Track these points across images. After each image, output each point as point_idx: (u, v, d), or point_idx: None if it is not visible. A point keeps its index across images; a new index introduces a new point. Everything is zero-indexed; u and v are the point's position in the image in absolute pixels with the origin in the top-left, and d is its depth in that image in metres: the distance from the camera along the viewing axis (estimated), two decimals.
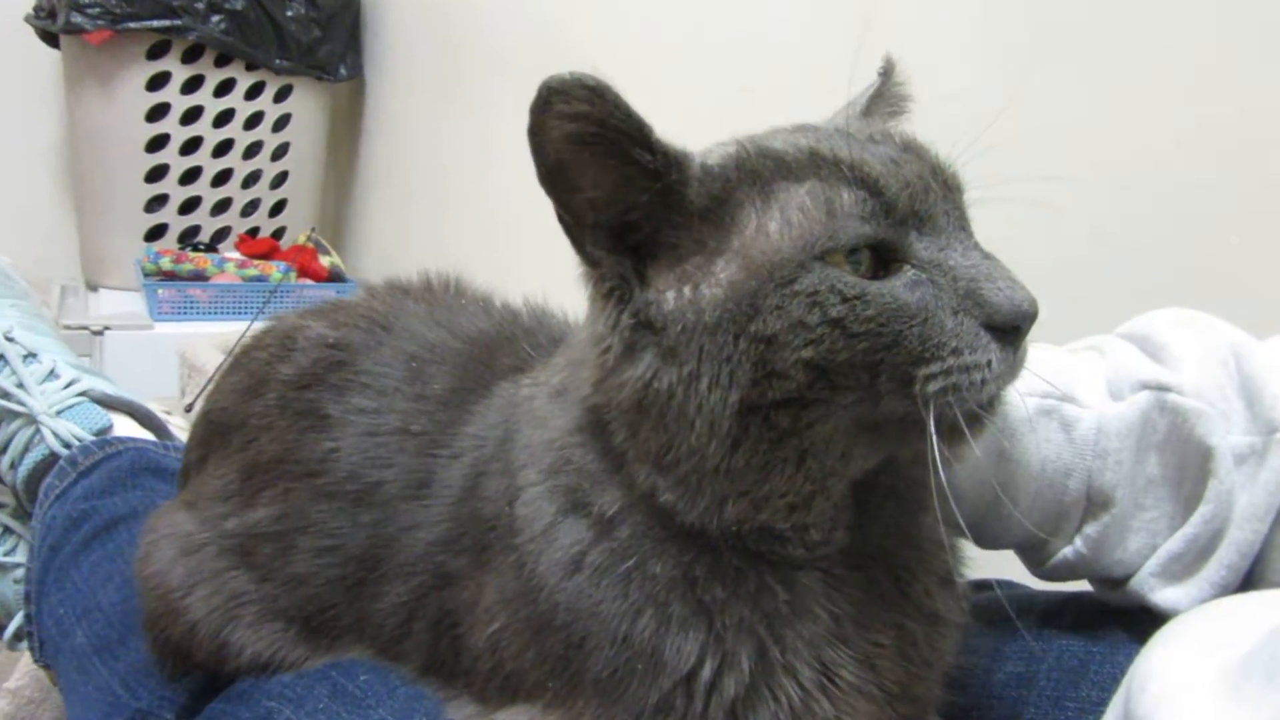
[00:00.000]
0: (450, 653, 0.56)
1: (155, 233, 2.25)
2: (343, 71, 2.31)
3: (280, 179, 2.34)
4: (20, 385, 0.95)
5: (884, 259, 0.43)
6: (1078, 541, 0.57)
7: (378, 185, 2.43)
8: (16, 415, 0.95)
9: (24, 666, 1.51)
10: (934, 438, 0.42)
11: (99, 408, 0.98)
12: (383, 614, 0.59)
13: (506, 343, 0.63)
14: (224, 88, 2.20)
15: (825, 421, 0.44)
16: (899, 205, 0.43)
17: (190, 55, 2.14)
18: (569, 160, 0.44)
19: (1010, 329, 0.43)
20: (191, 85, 2.16)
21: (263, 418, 0.66)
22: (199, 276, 2.12)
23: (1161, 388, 0.54)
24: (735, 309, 0.43)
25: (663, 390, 0.44)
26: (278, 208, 2.37)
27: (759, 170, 0.45)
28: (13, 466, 0.96)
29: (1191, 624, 0.45)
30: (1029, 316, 0.43)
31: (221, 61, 2.17)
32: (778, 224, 0.43)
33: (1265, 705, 0.35)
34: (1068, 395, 0.56)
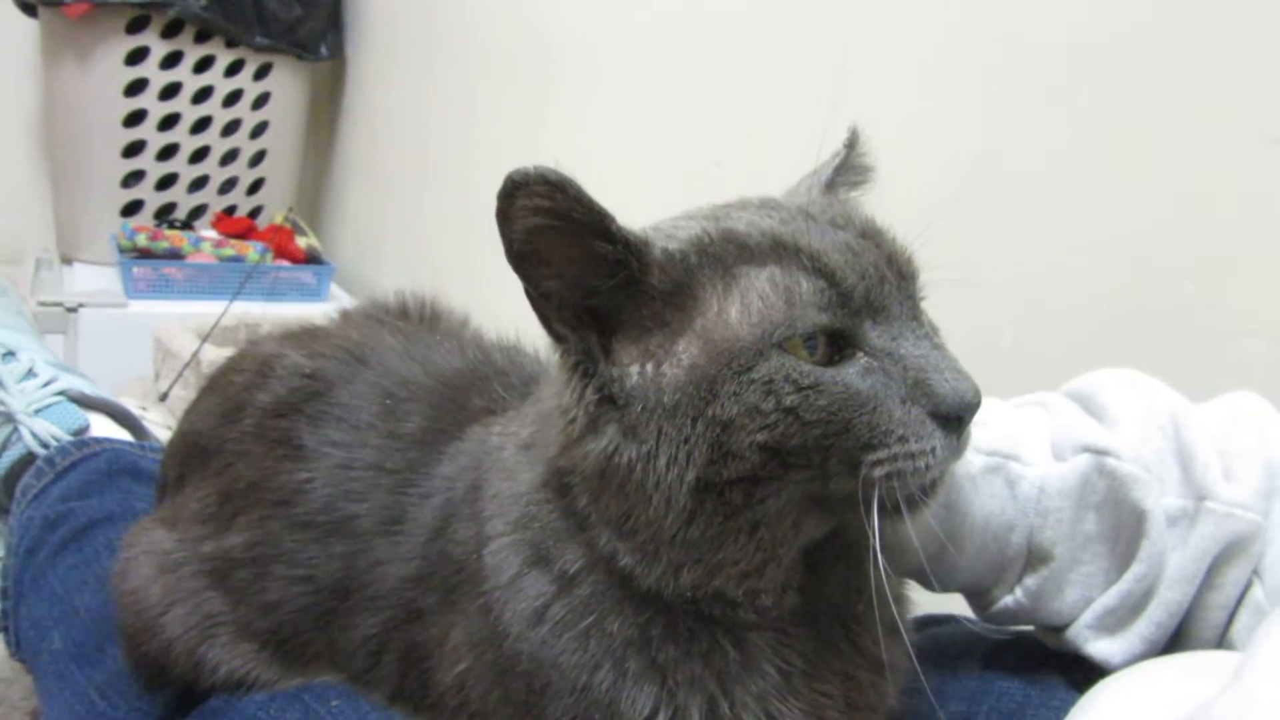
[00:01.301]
0: (418, 685, 0.59)
1: (131, 208, 2.24)
2: (323, 51, 2.30)
3: (258, 157, 2.34)
4: None
5: (838, 345, 0.45)
6: (1018, 591, 0.60)
7: (357, 166, 2.43)
8: None
9: None
10: (876, 518, 0.44)
11: (76, 407, 0.99)
12: (353, 644, 0.62)
13: (479, 383, 0.65)
14: (203, 64, 2.18)
15: (777, 497, 0.46)
16: (855, 296, 0.45)
17: (169, 31, 2.12)
18: (534, 247, 0.45)
19: (955, 418, 0.45)
20: (170, 61, 2.15)
21: (239, 444, 0.68)
22: (175, 255, 2.12)
23: (1101, 451, 0.57)
24: (694, 392, 0.45)
25: (623, 464, 0.47)
26: (255, 186, 2.36)
27: (721, 255, 0.47)
28: None
29: (1113, 694, 0.48)
30: (972, 407, 0.45)
31: (201, 38, 2.15)
32: (738, 309, 0.45)
33: None
34: (1013, 454, 0.59)
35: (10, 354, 0.98)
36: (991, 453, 0.59)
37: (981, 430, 0.54)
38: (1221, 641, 0.58)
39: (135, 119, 2.17)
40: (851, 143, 0.57)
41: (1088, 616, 0.58)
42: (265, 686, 0.65)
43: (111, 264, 2.18)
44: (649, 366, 0.47)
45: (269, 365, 0.70)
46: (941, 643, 0.67)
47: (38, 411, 0.97)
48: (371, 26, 2.32)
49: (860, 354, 0.46)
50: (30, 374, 0.98)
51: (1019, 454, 0.59)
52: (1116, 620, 0.58)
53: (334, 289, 2.24)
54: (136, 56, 2.11)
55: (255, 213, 2.37)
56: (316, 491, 0.63)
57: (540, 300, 0.47)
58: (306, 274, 2.19)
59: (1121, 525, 0.58)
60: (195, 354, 1.58)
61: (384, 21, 2.28)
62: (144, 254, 2.11)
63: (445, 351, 0.68)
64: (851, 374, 0.45)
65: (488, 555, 0.54)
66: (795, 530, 0.48)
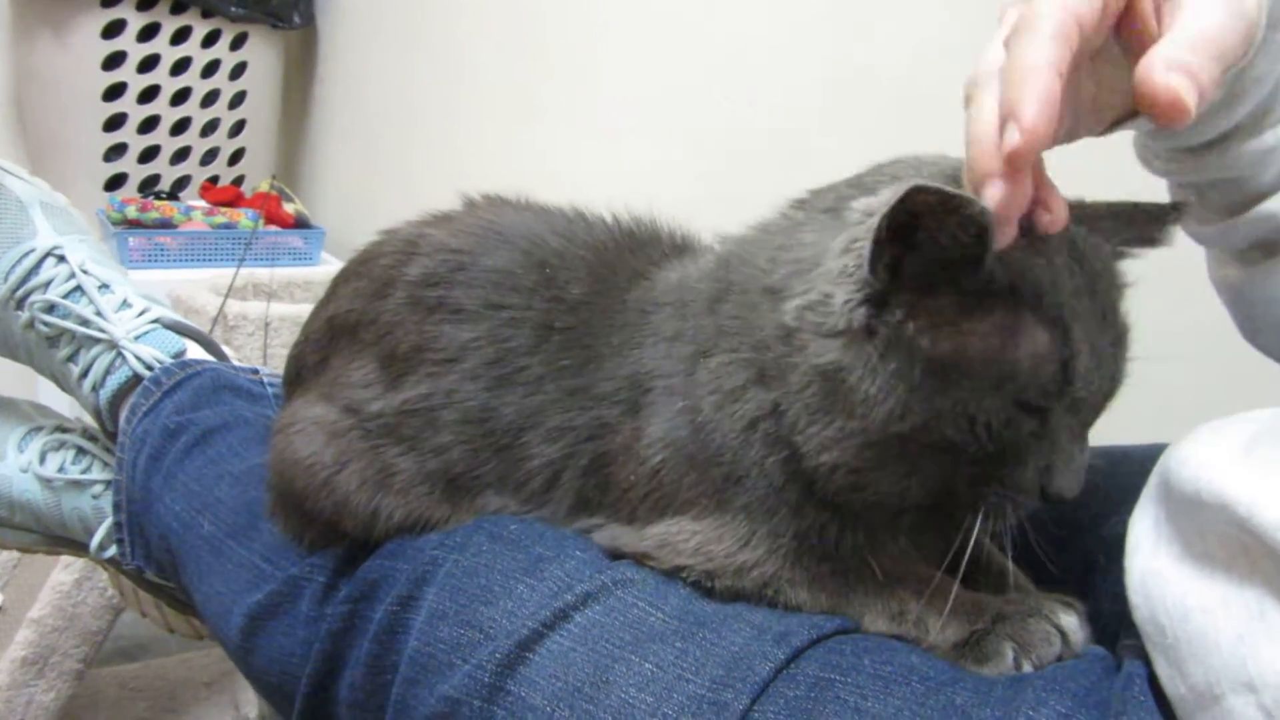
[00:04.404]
0: (597, 491, 0.67)
1: (114, 182, 2.26)
2: (296, 19, 2.33)
3: (238, 127, 2.37)
4: (99, 314, 1.02)
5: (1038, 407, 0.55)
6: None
7: (335, 131, 2.47)
8: (97, 341, 1.01)
9: (45, 597, 1.56)
10: (979, 520, 0.56)
11: (173, 333, 1.04)
12: (530, 472, 0.69)
13: (629, 253, 0.72)
14: (180, 36, 2.21)
15: (932, 466, 0.56)
16: (1072, 397, 0.55)
17: (145, 2, 2.14)
18: None
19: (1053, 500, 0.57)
20: (147, 33, 2.17)
21: (394, 314, 0.74)
22: (166, 224, 2.14)
23: None
24: (929, 373, 0.53)
25: (843, 377, 0.55)
26: (236, 156, 2.39)
27: (1019, 292, 0.53)
28: (94, 389, 1.02)
29: (1223, 420, 0.54)
30: (1064, 500, 0.57)
31: (177, 9, 2.18)
32: (997, 344, 0.53)
33: (1270, 461, 0.46)
34: None
35: (105, 286, 1.03)
36: None
37: None
38: None
39: (114, 93, 2.19)
40: (1173, 218, 0.60)
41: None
42: (438, 526, 0.72)
43: (97, 238, 2.19)
44: (908, 325, 0.54)
45: (414, 244, 0.76)
46: None
47: (138, 338, 1.02)
48: None
49: (1042, 421, 0.55)
50: (125, 304, 1.04)
51: None
52: None
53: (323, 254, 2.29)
54: (113, 29, 2.13)
55: (238, 182, 2.40)
56: (484, 348, 0.70)
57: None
58: (296, 239, 2.24)
59: None
60: (221, 307, 1.63)
61: None
62: (134, 225, 2.13)
63: (582, 226, 0.75)
64: (1026, 430, 0.55)
65: (711, 365, 0.62)
66: (933, 494, 0.58)
